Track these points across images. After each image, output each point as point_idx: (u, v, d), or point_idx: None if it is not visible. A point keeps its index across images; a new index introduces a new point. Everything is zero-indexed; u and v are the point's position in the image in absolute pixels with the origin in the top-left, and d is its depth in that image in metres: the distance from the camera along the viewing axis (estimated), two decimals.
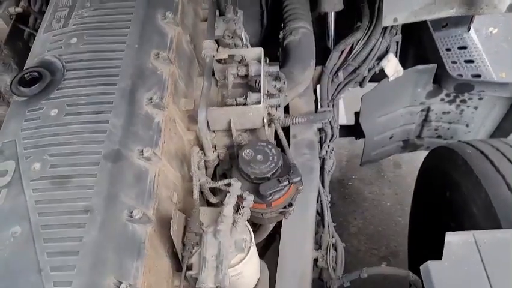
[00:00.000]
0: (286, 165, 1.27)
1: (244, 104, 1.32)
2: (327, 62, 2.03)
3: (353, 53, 1.99)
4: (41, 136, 1.15)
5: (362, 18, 2.01)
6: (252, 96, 1.31)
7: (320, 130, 2.00)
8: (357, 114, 2.43)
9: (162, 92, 1.27)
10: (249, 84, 1.46)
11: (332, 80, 2.07)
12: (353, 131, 2.67)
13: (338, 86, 2.10)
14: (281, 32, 2.06)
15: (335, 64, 2.03)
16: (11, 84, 1.29)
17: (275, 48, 2.23)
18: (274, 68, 1.43)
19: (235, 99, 1.33)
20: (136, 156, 1.12)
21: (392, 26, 1.94)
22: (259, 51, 1.42)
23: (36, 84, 1.26)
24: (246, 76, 1.43)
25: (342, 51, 2.01)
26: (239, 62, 1.45)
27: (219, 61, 1.48)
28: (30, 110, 1.21)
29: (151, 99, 1.21)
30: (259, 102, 1.30)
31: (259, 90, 1.35)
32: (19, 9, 1.61)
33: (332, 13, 2.05)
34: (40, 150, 1.12)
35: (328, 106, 2.06)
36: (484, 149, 1.66)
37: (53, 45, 1.35)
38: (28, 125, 1.18)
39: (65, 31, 1.37)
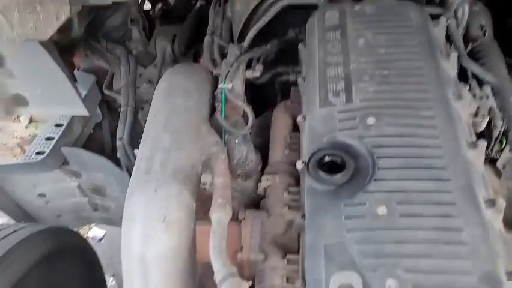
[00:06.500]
0: None
1: None
2: None
3: None
4: (379, 242, 0.95)
5: None
6: None
7: None
8: None
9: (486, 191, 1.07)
10: None
11: None
12: None
13: None
14: None
15: None
16: (307, 164, 1.11)
17: None
18: None
19: None
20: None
21: None
22: None
23: (341, 172, 1.08)
24: None
25: None
26: None
27: None
28: (347, 204, 1.03)
29: (491, 201, 1.01)
30: None
31: None
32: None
33: None
34: (388, 262, 0.92)
35: None
36: None
37: (343, 124, 1.17)
38: (353, 225, 0.99)
39: (351, 108, 1.20)
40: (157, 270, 1.06)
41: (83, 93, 2.11)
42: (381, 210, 1.00)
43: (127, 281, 1.11)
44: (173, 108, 1.30)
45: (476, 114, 1.44)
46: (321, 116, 1.22)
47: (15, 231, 1.72)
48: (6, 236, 1.67)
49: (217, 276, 0.99)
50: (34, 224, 1.87)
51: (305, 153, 1.18)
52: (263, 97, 1.94)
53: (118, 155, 2.04)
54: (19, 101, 1.74)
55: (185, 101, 1.33)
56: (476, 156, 1.11)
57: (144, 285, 1.06)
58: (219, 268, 0.99)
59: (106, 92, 2.21)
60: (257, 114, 1.56)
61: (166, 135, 1.22)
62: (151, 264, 1.06)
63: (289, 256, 1.21)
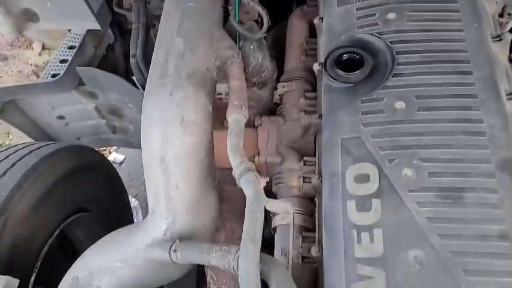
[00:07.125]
0: None
1: None
2: None
3: None
4: (396, 135, 0.95)
5: None
6: None
7: None
8: None
9: (509, 84, 1.04)
10: None
11: None
12: None
13: None
14: None
15: None
16: (325, 63, 1.09)
17: None
18: None
19: None
20: None
21: None
22: None
23: (360, 69, 1.06)
24: None
25: None
26: None
27: None
28: (364, 100, 1.01)
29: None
30: None
31: None
32: None
33: None
34: (405, 153, 0.92)
35: None
36: None
37: (362, 21, 1.13)
38: (371, 119, 0.98)
39: (372, 3, 1.15)
40: (177, 169, 1.09)
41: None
42: (400, 104, 0.98)
43: (149, 181, 1.14)
44: (185, 11, 1.26)
45: (501, 15, 1.37)
46: (339, 14, 1.18)
47: (39, 147, 1.77)
48: (30, 152, 1.72)
49: (236, 172, 1.01)
50: (57, 142, 1.93)
51: (322, 55, 1.15)
52: (277, 11, 1.87)
53: (133, 75, 2.03)
54: (29, 16, 1.71)
55: (197, 4, 1.29)
56: (501, 49, 1.06)
57: (165, 184, 1.10)
58: (237, 164, 1.01)
59: (116, 9, 2.15)
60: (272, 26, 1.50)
61: (179, 38, 1.20)
62: (171, 163, 1.08)
63: (305, 158, 1.23)
